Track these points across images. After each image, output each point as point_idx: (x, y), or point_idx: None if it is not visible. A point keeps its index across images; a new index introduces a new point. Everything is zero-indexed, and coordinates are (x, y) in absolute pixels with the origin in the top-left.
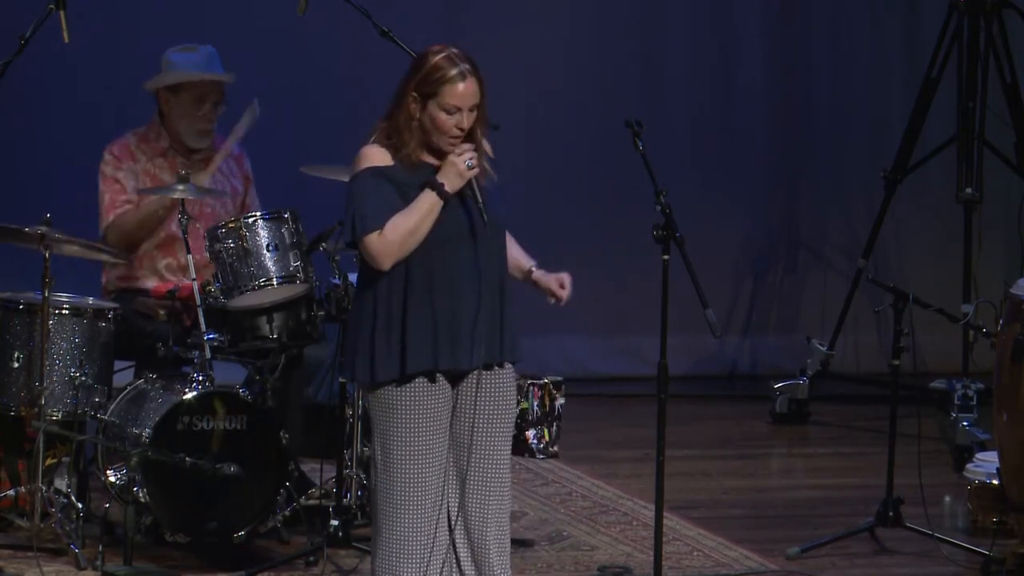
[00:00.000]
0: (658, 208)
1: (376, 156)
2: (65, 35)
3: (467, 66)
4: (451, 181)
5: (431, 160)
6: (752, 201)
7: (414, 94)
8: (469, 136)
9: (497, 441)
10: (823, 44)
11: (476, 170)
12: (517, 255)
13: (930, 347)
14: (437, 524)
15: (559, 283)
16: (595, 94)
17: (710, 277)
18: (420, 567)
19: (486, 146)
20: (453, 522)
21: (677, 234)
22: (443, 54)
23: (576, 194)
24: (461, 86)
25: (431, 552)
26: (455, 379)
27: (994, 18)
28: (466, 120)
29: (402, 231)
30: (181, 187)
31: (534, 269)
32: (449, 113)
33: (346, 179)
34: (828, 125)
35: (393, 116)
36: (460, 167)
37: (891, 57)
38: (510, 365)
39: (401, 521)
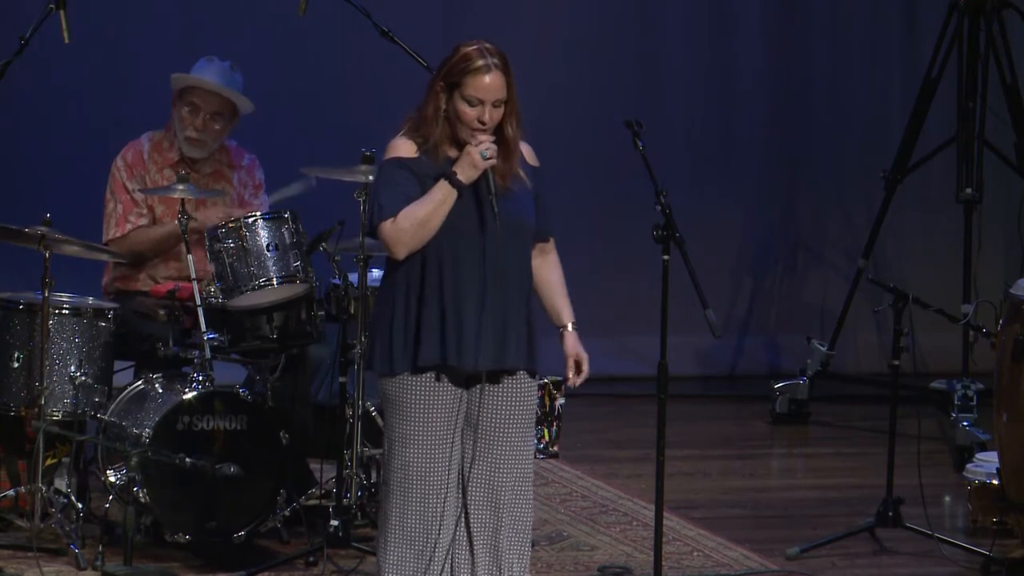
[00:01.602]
0: (658, 208)
1: (402, 148)
2: (65, 35)
3: (495, 60)
4: (465, 171)
5: (456, 154)
6: (752, 201)
7: (441, 83)
8: (498, 135)
9: (513, 450)
10: (823, 44)
11: (492, 161)
12: (559, 303)
13: (930, 347)
14: (442, 521)
15: (576, 363)
16: (595, 94)
17: (710, 277)
18: (415, 560)
19: (527, 152)
20: (471, 523)
21: (677, 234)
22: (474, 46)
23: (576, 194)
24: (485, 78)
25: (433, 548)
26: (469, 381)
27: (994, 18)
28: (488, 114)
29: (414, 220)
30: (181, 187)
31: (569, 328)
32: (471, 104)
33: (345, 179)
34: (828, 125)
35: (422, 107)
36: (475, 157)
37: (891, 57)
38: (527, 374)
39: (402, 516)
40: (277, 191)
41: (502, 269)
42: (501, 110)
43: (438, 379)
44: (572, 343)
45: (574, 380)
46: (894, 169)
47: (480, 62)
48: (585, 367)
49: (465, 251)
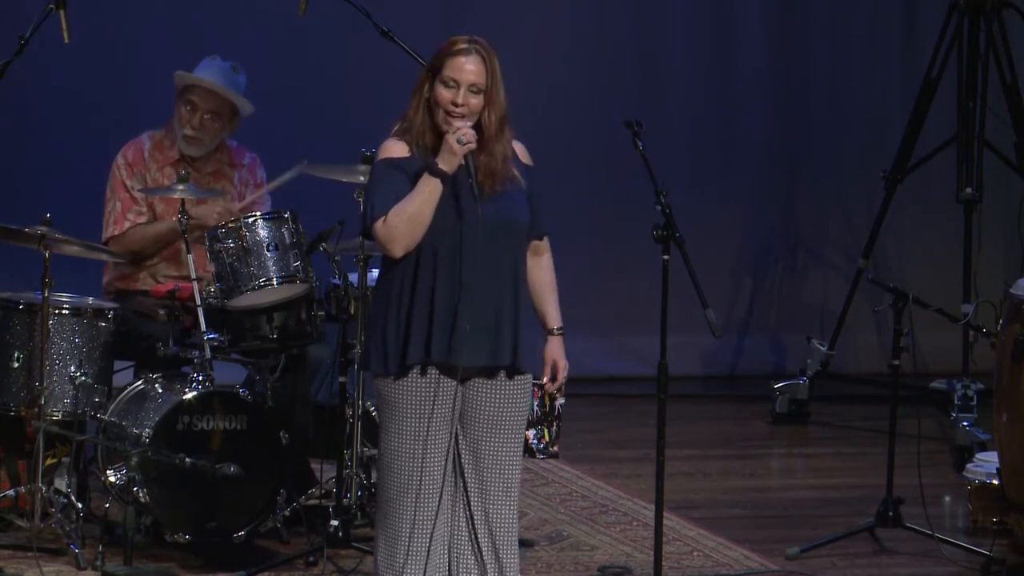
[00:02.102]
0: (658, 208)
1: (393, 148)
2: (65, 35)
3: (479, 47)
4: (445, 159)
5: None
6: (751, 201)
7: (429, 73)
8: (476, 128)
9: (501, 451)
10: (823, 44)
11: (470, 146)
12: (547, 307)
13: (930, 347)
14: (437, 519)
15: (553, 371)
16: (595, 94)
17: (710, 277)
18: (410, 558)
19: (520, 151)
20: (462, 521)
21: (677, 234)
22: (464, 36)
23: (576, 194)
24: (464, 61)
25: (426, 545)
26: (463, 379)
27: (994, 18)
28: (462, 96)
29: (403, 216)
30: (181, 187)
31: (555, 333)
32: (447, 86)
33: (345, 179)
34: (828, 125)
35: (410, 100)
36: (451, 143)
37: (891, 57)
38: (522, 375)
39: (395, 514)
40: (273, 179)
41: (493, 267)
42: (480, 99)
43: (429, 377)
44: (552, 349)
45: (550, 387)
46: (894, 169)
47: (462, 45)
48: (561, 375)
49: (454, 249)
